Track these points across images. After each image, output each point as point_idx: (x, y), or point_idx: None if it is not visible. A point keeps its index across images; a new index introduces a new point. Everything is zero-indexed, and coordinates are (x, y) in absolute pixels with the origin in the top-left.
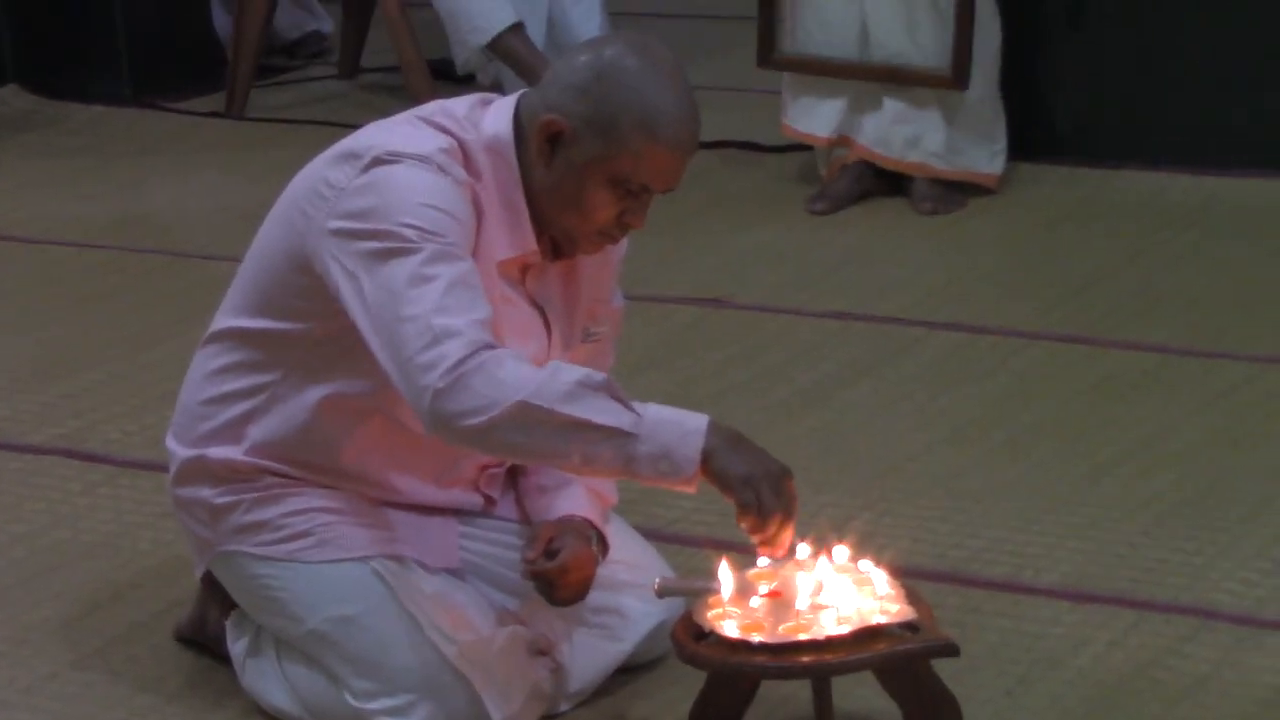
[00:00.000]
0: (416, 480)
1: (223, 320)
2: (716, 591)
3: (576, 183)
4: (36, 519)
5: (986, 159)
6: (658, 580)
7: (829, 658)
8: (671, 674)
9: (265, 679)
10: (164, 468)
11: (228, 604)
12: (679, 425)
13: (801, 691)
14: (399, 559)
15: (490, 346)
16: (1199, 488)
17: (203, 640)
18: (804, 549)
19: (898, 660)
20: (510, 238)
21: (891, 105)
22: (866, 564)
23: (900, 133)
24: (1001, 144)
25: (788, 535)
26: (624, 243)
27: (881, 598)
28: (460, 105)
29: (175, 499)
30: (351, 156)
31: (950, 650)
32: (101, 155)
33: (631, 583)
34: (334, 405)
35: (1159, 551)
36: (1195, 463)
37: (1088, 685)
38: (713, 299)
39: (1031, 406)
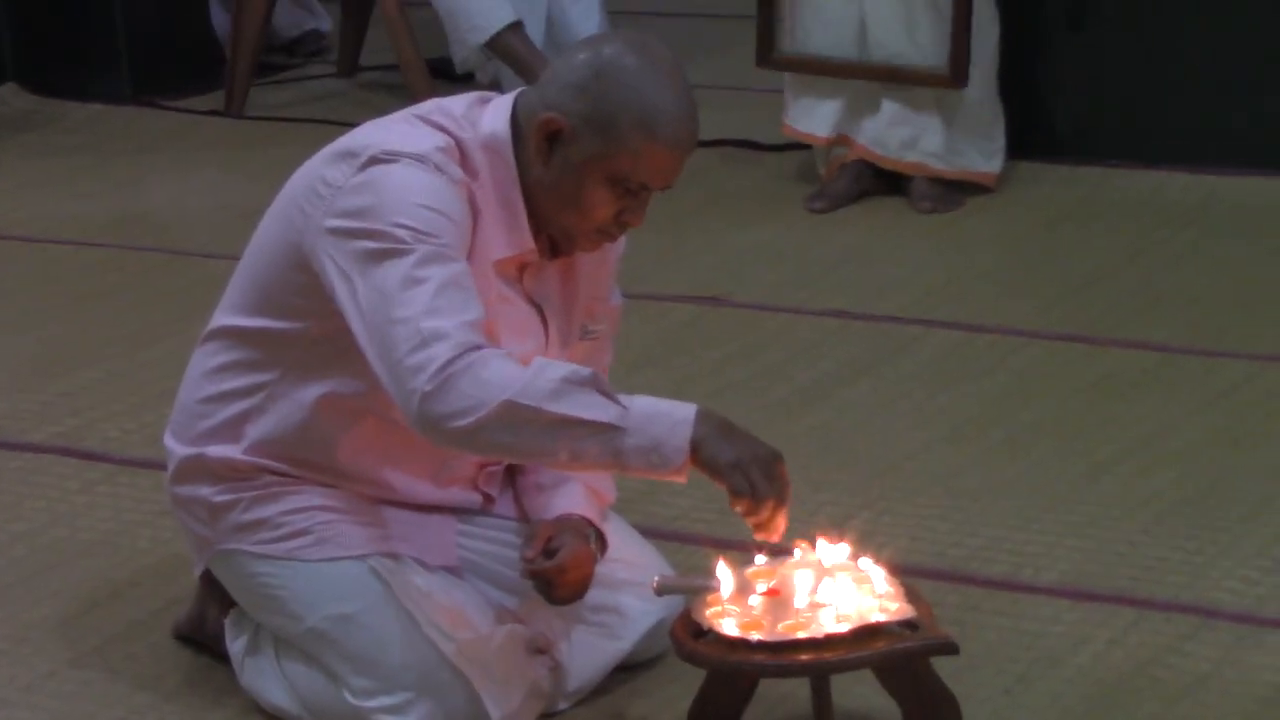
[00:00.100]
0: (413, 479)
1: (221, 318)
2: (715, 589)
3: (575, 181)
4: (35, 517)
5: (985, 158)
6: (656, 578)
7: (828, 656)
8: (670, 672)
9: (264, 677)
10: (163, 466)
11: (226, 602)
12: (667, 416)
13: (800, 690)
14: (397, 557)
15: (478, 348)
16: (1199, 486)
17: (201, 638)
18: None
19: (897, 658)
20: (508, 236)
21: (890, 105)
22: (866, 562)
23: (899, 133)
24: (1000, 143)
25: (783, 519)
26: (622, 241)
27: (880, 596)
28: (458, 104)
29: (174, 497)
30: (349, 155)
31: (949, 648)
32: (100, 154)
33: (630, 581)
34: (330, 405)
35: (1159, 550)
36: (1195, 461)
37: (1087, 683)
38: (711, 297)
39: (1031, 405)
